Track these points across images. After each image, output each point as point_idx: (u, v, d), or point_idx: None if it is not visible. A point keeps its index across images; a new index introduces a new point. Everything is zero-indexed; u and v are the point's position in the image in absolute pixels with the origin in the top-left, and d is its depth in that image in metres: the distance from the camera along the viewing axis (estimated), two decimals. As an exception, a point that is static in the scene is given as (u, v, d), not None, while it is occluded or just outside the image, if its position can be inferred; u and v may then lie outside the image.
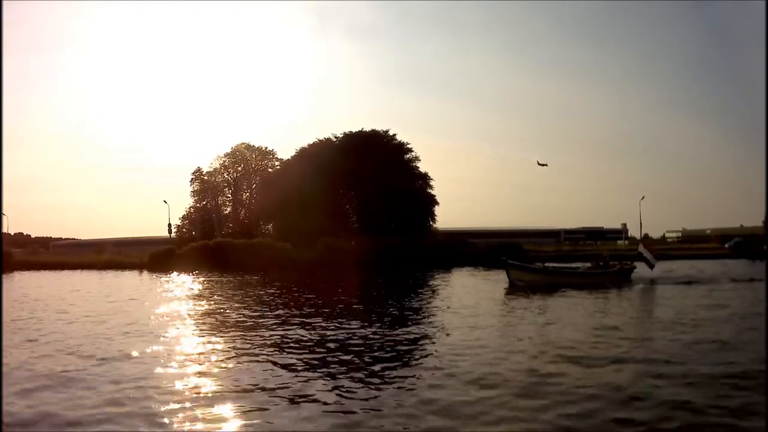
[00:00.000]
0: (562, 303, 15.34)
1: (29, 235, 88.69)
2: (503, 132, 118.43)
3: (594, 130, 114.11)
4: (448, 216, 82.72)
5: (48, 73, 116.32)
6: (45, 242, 78.96)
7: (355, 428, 5.34)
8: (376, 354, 8.63)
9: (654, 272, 23.03)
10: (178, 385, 6.79)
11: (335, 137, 50.29)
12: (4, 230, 68.00)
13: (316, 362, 8.05)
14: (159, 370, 7.62)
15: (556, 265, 23.35)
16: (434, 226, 50.62)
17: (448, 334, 10.31)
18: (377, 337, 10.05)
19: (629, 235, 69.49)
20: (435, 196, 49.65)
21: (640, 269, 22.82)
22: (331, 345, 9.33)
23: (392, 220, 46.04)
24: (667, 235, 78.62)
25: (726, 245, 53.69)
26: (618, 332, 10.37)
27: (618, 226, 70.49)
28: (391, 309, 14.60)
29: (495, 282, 22.05)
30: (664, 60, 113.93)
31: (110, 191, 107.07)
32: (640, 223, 63.83)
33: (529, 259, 42.40)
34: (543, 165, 55.56)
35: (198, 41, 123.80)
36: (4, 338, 9.62)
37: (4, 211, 62.38)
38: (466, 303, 15.50)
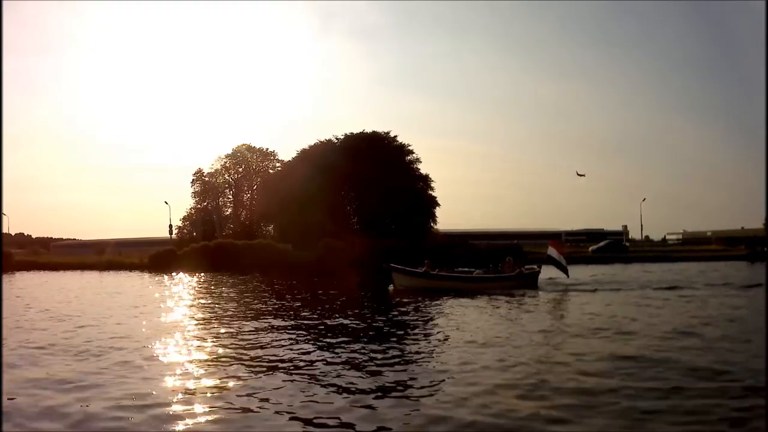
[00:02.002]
0: (432, 309, 14.63)
1: (30, 236, 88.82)
2: (504, 133, 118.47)
3: (594, 131, 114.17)
4: (448, 217, 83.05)
5: (48, 73, 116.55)
6: (45, 242, 78.98)
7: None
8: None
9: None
10: (160, 388, 6.80)
11: (336, 138, 50.40)
12: (5, 230, 68.24)
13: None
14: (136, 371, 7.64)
15: (470, 269, 20.67)
16: (435, 227, 50.70)
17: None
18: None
19: (630, 236, 69.57)
20: (436, 197, 49.79)
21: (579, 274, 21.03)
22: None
23: (393, 221, 46.11)
24: (668, 237, 78.58)
25: (591, 249, 53.37)
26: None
27: (619, 227, 70.58)
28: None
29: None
30: (664, 60, 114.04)
31: (111, 192, 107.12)
32: (641, 225, 63.99)
33: (529, 261, 42.69)
34: (581, 175, 56.71)
35: (199, 41, 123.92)
36: None
37: (5, 211, 62.63)
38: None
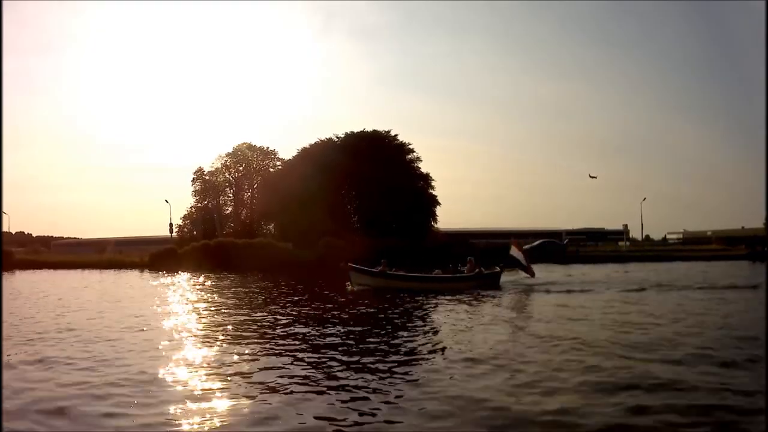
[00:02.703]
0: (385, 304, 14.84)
1: (30, 234, 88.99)
2: (504, 132, 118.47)
3: (594, 131, 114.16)
4: (449, 216, 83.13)
5: (48, 73, 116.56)
6: (46, 241, 79.07)
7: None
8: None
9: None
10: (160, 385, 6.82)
11: (337, 137, 50.39)
12: (6, 229, 68.28)
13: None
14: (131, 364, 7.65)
15: (446, 270, 20.09)
16: (435, 226, 50.74)
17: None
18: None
19: (630, 236, 69.56)
20: (436, 196, 49.82)
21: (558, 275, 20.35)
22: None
23: (393, 220, 46.16)
24: (668, 236, 78.63)
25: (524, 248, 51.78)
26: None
27: (619, 227, 70.58)
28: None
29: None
30: (664, 60, 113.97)
31: (111, 191, 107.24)
32: (642, 225, 63.98)
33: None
34: (593, 177, 57.02)
35: (200, 41, 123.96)
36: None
37: (5, 210, 62.64)
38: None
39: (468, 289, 18.19)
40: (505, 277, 20.69)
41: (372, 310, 14.21)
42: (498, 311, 13.68)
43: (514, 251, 20.86)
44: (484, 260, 36.60)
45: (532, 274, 20.64)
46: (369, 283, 19.42)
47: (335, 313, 13.56)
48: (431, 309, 14.31)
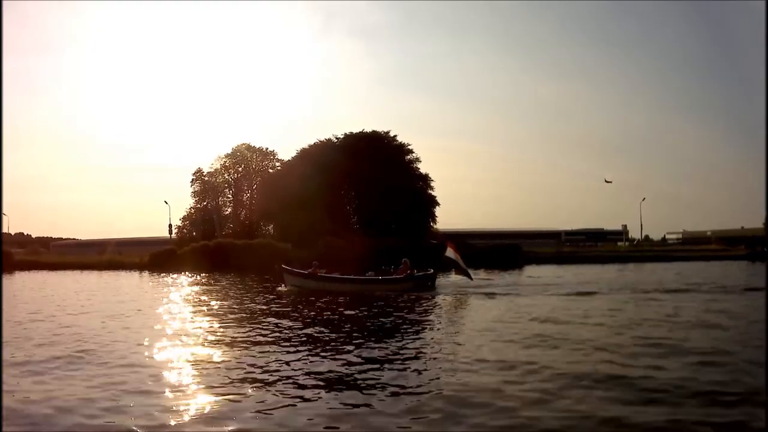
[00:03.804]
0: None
1: (30, 235, 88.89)
2: (504, 132, 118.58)
3: (594, 131, 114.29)
4: (448, 217, 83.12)
5: (48, 73, 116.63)
6: (45, 242, 79.06)
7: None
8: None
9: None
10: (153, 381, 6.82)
11: (336, 138, 50.48)
12: (5, 230, 68.26)
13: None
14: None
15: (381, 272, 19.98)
16: (434, 226, 50.77)
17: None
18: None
19: (630, 236, 69.63)
20: (435, 196, 49.88)
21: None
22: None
23: (393, 220, 46.19)
24: (667, 236, 78.72)
25: None
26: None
27: (618, 227, 70.66)
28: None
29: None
30: (664, 60, 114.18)
31: (111, 192, 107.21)
32: (641, 225, 64.03)
33: (528, 261, 42.81)
34: (608, 182, 58.10)
35: (199, 41, 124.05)
36: None
37: (5, 211, 62.66)
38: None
39: (401, 291, 18.06)
40: (448, 280, 20.41)
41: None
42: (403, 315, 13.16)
43: (450, 252, 20.18)
44: (484, 260, 37.01)
45: (469, 276, 20.22)
46: (301, 284, 19.60)
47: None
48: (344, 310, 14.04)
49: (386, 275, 19.78)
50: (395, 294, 17.51)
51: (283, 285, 20.15)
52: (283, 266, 20.81)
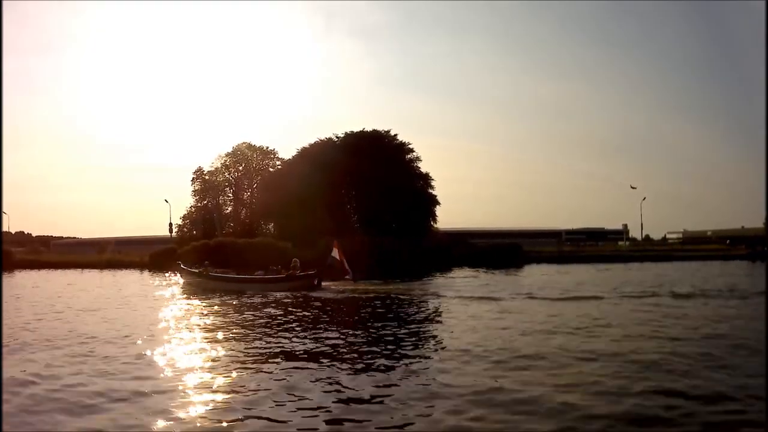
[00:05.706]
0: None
1: (30, 234, 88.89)
2: (504, 132, 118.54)
3: (594, 131, 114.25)
4: (449, 216, 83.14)
5: (48, 73, 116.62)
6: (46, 241, 79.02)
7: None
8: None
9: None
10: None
11: (336, 137, 50.36)
12: (5, 229, 68.28)
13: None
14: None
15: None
16: (435, 226, 50.69)
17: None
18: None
19: (630, 235, 69.57)
20: (436, 195, 49.77)
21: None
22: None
23: (393, 219, 46.12)
24: (668, 236, 78.60)
25: None
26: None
27: (619, 226, 70.59)
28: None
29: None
30: (664, 60, 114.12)
31: (111, 192, 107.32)
32: (641, 224, 63.99)
33: (528, 260, 42.80)
34: (634, 188, 61.66)
35: (199, 41, 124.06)
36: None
37: (5, 210, 62.66)
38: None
39: (289, 290, 18.89)
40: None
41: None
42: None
43: (335, 252, 20.56)
44: (484, 259, 37.00)
45: (352, 277, 20.33)
46: (193, 281, 22.30)
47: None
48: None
49: (274, 275, 21.13)
50: (281, 291, 18.66)
51: (181, 281, 23.41)
52: (181, 265, 24.09)
